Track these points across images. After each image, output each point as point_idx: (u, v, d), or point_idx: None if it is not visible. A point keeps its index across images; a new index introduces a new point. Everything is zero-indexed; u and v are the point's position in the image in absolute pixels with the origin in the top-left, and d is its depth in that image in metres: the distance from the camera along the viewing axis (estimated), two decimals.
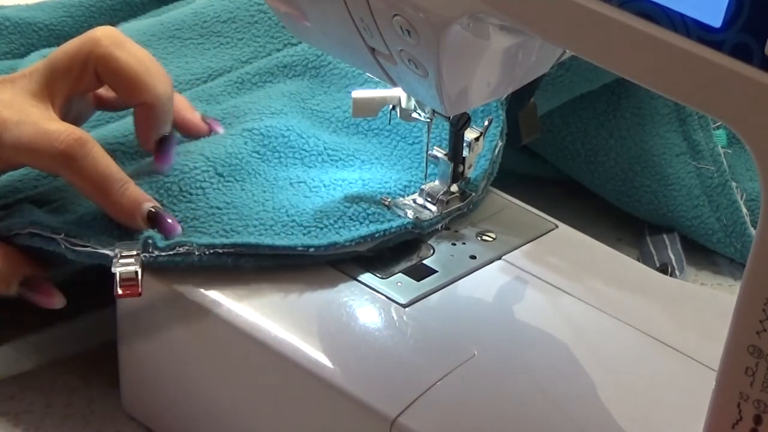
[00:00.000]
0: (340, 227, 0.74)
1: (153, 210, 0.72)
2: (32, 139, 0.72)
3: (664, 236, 0.89)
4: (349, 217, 0.74)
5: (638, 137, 0.89)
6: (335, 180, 0.78)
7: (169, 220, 0.72)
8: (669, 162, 0.88)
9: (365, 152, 0.81)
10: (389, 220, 0.74)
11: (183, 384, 0.73)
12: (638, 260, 0.87)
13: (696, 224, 0.88)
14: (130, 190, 0.72)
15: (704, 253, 0.90)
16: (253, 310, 0.69)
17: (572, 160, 0.90)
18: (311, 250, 0.71)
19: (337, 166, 0.79)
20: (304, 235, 0.73)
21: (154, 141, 0.76)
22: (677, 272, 0.85)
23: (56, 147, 0.72)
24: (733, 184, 0.88)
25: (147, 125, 0.76)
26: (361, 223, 0.74)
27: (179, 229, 0.72)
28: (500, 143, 0.79)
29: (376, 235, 0.73)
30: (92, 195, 0.73)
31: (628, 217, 0.92)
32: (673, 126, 0.89)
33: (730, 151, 0.90)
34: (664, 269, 0.85)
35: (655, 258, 0.87)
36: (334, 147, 0.80)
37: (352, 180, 0.78)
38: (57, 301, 0.73)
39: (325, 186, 0.77)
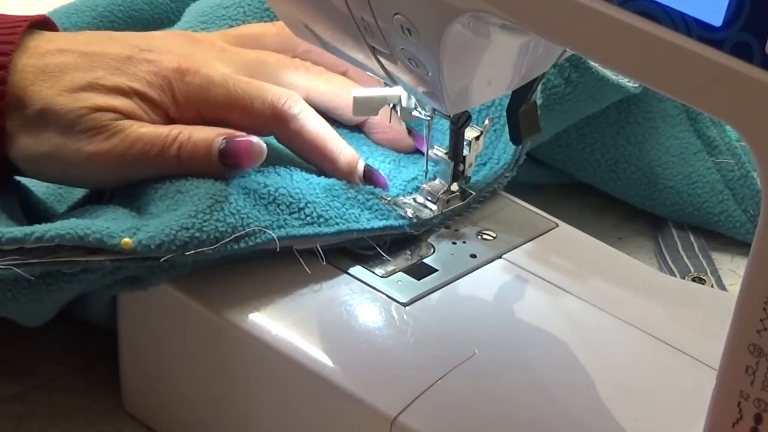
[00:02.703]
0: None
1: (367, 167, 0.77)
2: (249, 94, 0.75)
3: (691, 237, 0.90)
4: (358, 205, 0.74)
5: (654, 140, 0.89)
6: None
7: (381, 175, 0.77)
8: (688, 161, 0.89)
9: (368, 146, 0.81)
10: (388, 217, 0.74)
11: (183, 383, 0.73)
12: (657, 255, 0.88)
13: (723, 218, 0.89)
14: (346, 149, 0.77)
15: (734, 241, 0.90)
16: (253, 309, 0.69)
17: (593, 170, 0.90)
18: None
19: None
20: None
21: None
22: (711, 277, 0.86)
23: (277, 105, 0.75)
24: (754, 173, 0.88)
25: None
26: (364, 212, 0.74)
27: (388, 183, 0.78)
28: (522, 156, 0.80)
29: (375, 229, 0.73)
30: (310, 154, 0.76)
31: (628, 215, 0.92)
32: (685, 126, 0.90)
33: (743, 144, 0.90)
34: (701, 281, 0.86)
35: (685, 258, 0.87)
36: None
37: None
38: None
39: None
